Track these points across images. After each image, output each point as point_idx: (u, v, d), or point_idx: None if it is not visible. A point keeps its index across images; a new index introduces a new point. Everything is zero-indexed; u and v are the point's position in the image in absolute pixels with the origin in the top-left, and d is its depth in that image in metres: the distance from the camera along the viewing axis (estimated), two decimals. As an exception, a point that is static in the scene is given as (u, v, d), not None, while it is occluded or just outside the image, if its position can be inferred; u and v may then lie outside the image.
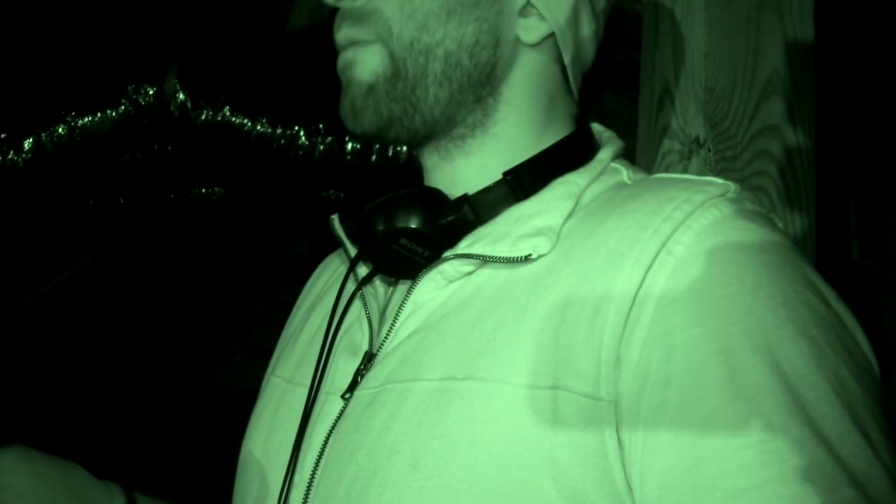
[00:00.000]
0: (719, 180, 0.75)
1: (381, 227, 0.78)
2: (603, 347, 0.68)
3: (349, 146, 2.68)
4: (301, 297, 1.05)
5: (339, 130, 2.66)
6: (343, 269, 0.91)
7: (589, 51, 0.88)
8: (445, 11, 0.79)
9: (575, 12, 0.84)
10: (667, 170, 1.18)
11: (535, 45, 0.83)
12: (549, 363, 0.69)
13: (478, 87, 0.82)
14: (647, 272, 0.68)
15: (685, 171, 1.14)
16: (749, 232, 0.70)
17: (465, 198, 0.80)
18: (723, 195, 0.72)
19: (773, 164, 1.14)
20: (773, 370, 0.63)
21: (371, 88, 0.80)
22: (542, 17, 0.82)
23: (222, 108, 2.88)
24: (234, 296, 4.53)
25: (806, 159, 1.16)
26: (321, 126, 2.92)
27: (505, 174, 0.80)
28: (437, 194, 0.81)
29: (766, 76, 1.16)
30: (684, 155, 1.15)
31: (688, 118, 1.15)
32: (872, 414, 0.65)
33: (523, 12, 0.82)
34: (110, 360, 4.46)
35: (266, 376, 0.99)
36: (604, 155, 0.84)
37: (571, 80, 0.87)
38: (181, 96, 2.84)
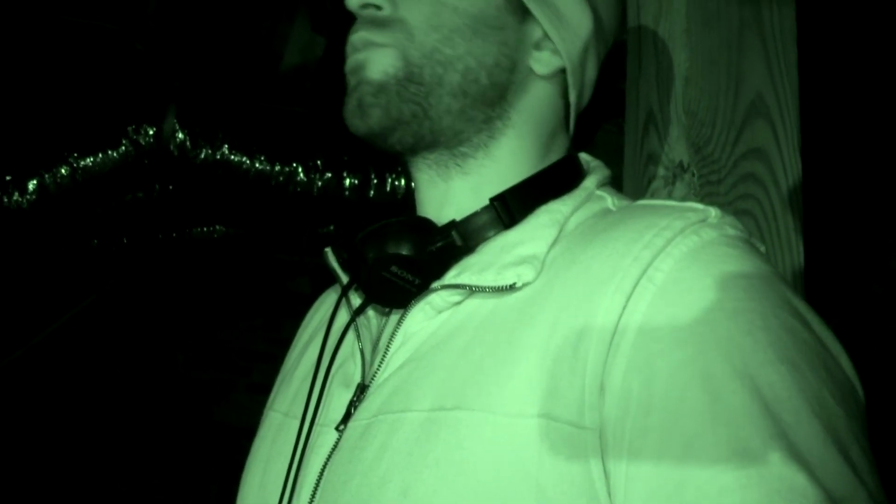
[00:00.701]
0: (700, 206, 0.76)
1: (371, 255, 0.79)
2: (587, 375, 0.68)
3: (347, 182, 2.70)
4: (299, 331, 1.07)
5: (337, 166, 2.67)
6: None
7: (587, 97, 0.92)
8: (471, 30, 0.81)
9: (585, 53, 0.87)
10: (652, 196, 1.18)
11: (546, 78, 0.86)
12: (535, 392, 0.69)
13: (488, 107, 0.84)
14: (628, 300, 0.69)
15: (670, 196, 1.14)
16: (729, 257, 0.70)
17: (452, 223, 0.81)
18: (703, 221, 0.73)
19: (759, 186, 1.13)
20: (753, 394, 0.63)
21: (382, 87, 0.81)
22: (555, 52, 0.85)
23: (221, 147, 2.90)
24: (236, 332, 4.53)
25: (793, 181, 1.16)
26: (319, 162, 2.94)
27: (492, 199, 0.81)
28: (426, 222, 0.83)
29: (749, 99, 1.15)
30: (669, 180, 1.14)
31: (671, 143, 1.15)
32: (855, 437, 0.65)
33: (538, 45, 0.85)
34: (114, 398, 4.46)
35: (265, 411, 0.99)
36: (589, 183, 0.86)
37: (572, 117, 0.90)
38: (180, 135, 2.86)
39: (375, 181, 2.60)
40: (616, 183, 1.32)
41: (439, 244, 0.79)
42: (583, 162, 0.91)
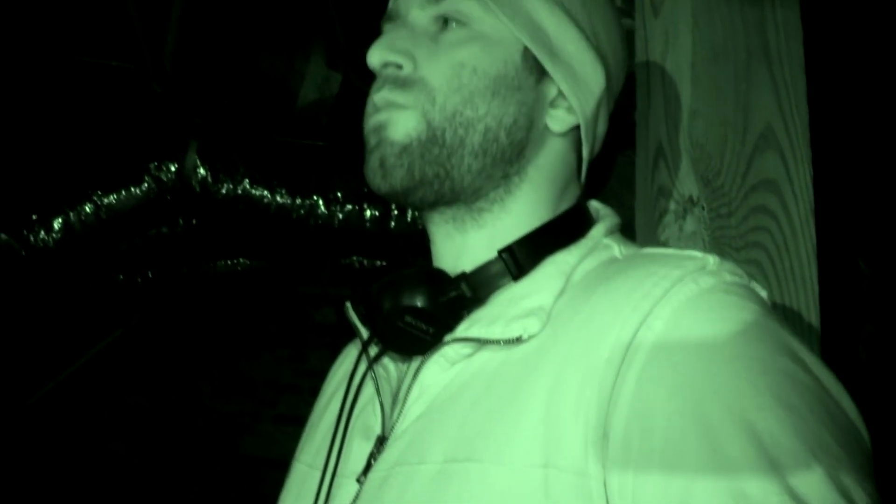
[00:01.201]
0: (699, 254, 0.77)
1: (387, 305, 0.81)
2: (589, 425, 0.69)
3: (368, 213, 2.71)
4: (325, 383, 1.08)
5: (358, 199, 2.69)
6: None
7: (598, 147, 0.93)
8: (491, 91, 0.83)
9: (598, 109, 0.89)
10: (664, 230, 1.18)
11: (560, 134, 0.88)
12: (540, 442, 0.70)
13: (507, 164, 0.85)
14: (627, 349, 0.70)
15: (681, 231, 1.14)
16: (727, 304, 0.71)
17: (463, 275, 0.83)
18: (702, 268, 0.74)
19: (770, 218, 1.13)
20: (752, 439, 0.63)
21: (405, 149, 0.82)
22: (569, 110, 0.87)
23: (242, 181, 2.92)
24: (261, 364, 4.55)
25: (804, 212, 1.15)
26: (339, 194, 2.95)
27: (500, 251, 0.83)
28: (439, 273, 0.84)
29: (759, 131, 1.15)
30: (679, 214, 1.14)
31: (681, 176, 1.15)
32: (858, 480, 0.64)
33: (553, 103, 0.87)
34: (139, 430, 4.49)
35: (292, 462, 1.01)
36: (596, 231, 0.87)
37: (584, 169, 0.92)
38: (202, 171, 2.88)
39: (396, 212, 2.62)
40: (629, 215, 1.31)
41: (450, 295, 0.81)
42: (592, 210, 0.92)
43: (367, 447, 0.84)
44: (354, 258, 3.65)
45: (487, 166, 0.84)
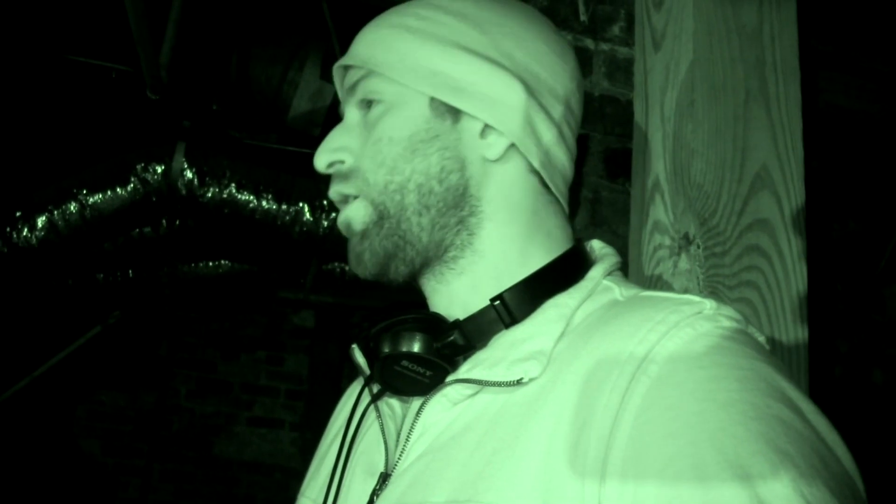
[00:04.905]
0: (697, 298, 0.77)
1: (384, 351, 0.84)
2: (587, 470, 0.70)
3: (353, 222, 2.68)
4: (332, 418, 1.10)
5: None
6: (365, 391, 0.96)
7: (560, 157, 0.92)
8: (409, 151, 0.86)
9: (528, 121, 0.88)
10: (658, 265, 1.19)
11: (502, 160, 0.88)
12: (539, 486, 0.71)
13: (455, 209, 0.87)
14: (623, 396, 0.70)
15: (675, 267, 1.15)
16: (722, 349, 0.72)
17: (455, 323, 0.85)
18: (699, 313, 0.75)
19: (763, 258, 1.14)
20: (745, 485, 0.64)
21: (364, 234, 0.88)
22: (500, 134, 0.87)
23: (228, 186, 2.91)
24: (239, 365, 4.54)
25: (796, 252, 1.16)
26: (325, 202, 2.95)
27: (492, 300, 0.84)
28: (435, 319, 0.87)
29: (755, 171, 1.16)
30: (674, 251, 1.15)
31: (677, 214, 1.16)
32: None
33: (483, 134, 0.88)
34: (115, 428, 4.46)
35: (298, 497, 1.02)
36: (595, 273, 0.87)
37: (552, 186, 0.91)
38: (188, 174, 2.87)
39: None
40: (621, 244, 1.32)
41: (444, 342, 0.84)
42: (592, 249, 0.93)
43: (371, 483, 0.85)
44: (336, 265, 3.65)
45: (436, 217, 0.87)
